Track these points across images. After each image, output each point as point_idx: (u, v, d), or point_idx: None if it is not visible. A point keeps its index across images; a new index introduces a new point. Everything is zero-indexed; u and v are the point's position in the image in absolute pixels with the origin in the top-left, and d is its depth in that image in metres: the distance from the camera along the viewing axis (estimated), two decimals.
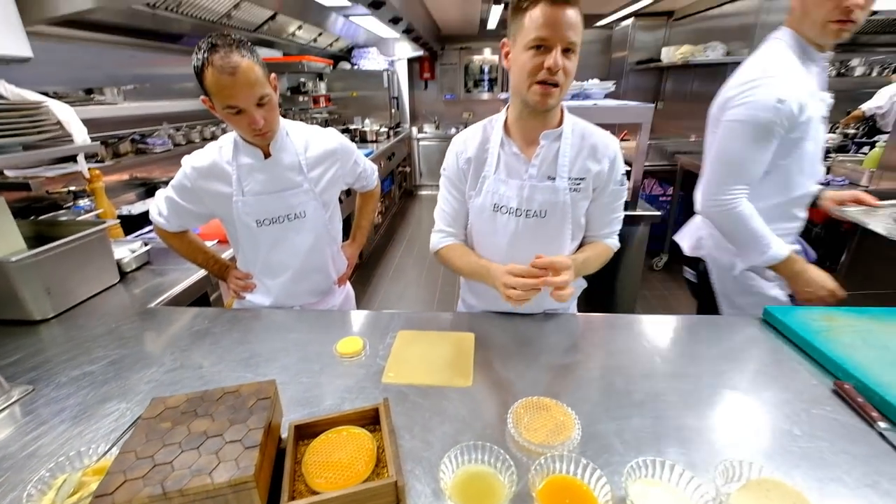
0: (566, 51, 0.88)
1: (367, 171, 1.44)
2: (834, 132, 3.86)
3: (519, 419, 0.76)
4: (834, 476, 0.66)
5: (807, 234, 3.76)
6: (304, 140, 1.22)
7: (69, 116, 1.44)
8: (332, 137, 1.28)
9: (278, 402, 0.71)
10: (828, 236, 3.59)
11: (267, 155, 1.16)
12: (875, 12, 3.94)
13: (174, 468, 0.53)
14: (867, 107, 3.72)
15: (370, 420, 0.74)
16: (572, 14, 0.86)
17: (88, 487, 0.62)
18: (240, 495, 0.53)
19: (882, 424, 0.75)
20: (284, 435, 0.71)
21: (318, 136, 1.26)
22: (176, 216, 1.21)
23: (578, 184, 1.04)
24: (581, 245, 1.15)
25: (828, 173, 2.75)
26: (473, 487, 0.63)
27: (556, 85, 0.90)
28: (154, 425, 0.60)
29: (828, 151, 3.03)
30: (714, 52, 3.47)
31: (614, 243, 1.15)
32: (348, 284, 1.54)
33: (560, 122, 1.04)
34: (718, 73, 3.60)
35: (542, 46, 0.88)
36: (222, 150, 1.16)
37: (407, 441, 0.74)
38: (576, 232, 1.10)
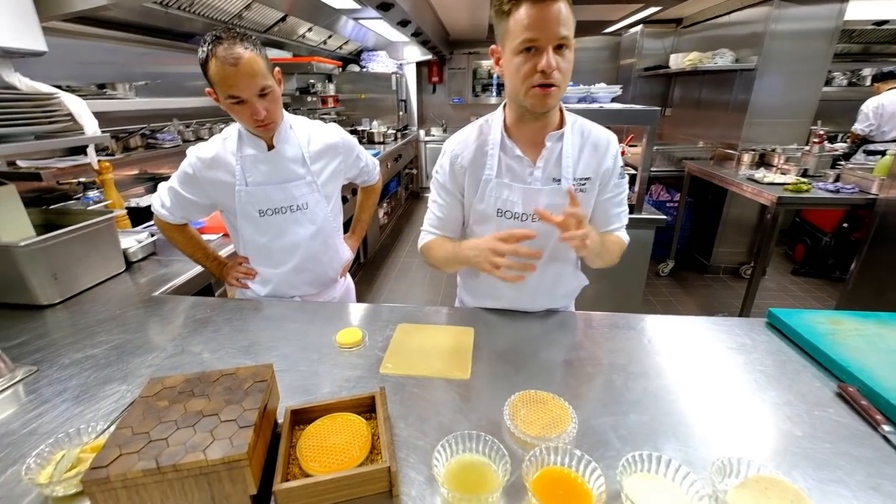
0: (559, 47, 0.83)
1: (368, 165, 1.45)
2: (845, 142, 3.82)
3: (515, 412, 0.75)
4: (835, 477, 0.65)
5: (816, 243, 3.74)
6: (307, 134, 1.25)
7: (81, 109, 1.46)
8: (334, 132, 1.31)
9: (275, 386, 0.71)
10: (837, 245, 3.56)
11: (270, 147, 1.19)
12: (885, 22, 3.93)
13: (169, 444, 0.53)
14: (859, 128, 3.66)
15: (366, 408, 0.74)
16: (559, 7, 0.80)
17: (85, 463, 0.63)
18: (233, 473, 0.53)
19: (886, 428, 0.73)
20: (281, 420, 0.71)
21: (321, 130, 1.28)
22: (179, 207, 1.23)
23: (584, 184, 1.02)
24: None
25: (836, 181, 2.72)
26: (467, 476, 0.63)
27: (553, 85, 0.86)
28: (151, 403, 0.60)
29: (837, 160, 3.00)
30: (723, 59, 3.45)
31: (624, 236, 1.12)
32: (349, 278, 1.55)
33: (561, 122, 1.02)
34: (727, 80, 3.59)
35: (532, 48, 0.83)
36: (227, 141, 1.18)
37: (402, 430, 0.74)
38: None
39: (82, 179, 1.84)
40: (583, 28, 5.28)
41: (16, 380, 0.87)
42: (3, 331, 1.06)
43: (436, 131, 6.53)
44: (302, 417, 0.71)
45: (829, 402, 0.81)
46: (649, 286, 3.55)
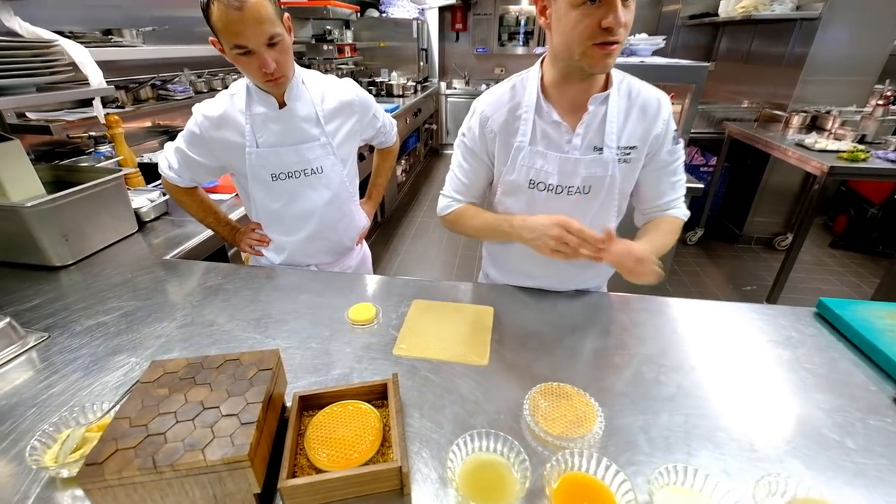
0: None
1: (386, 125, 1.34)
2: None
3: (536, 406, 0.70)
4: (893, 500, 0.58)
5: (861, 215, 3.48)
6: (320, 90, 1.14)
7: (83, 58, 1.38)
8: (350, 88, 1.19)
9: (282, 372, 0.68)
10: (885, 218, 3.31)
11: (282, 104, 1.09)
12: None
13: (167, 440, 0.50)
14: None
15: (378, 395, 0.70)
16: None
17: (91, 443, 0.61)
18: (234, 473, 0.50)
19: None
20: (289, 404, 0.68)
21: (335, 86, 1.17)
22: (186, 169, 1.16)
23: (628, 153, 0.90)
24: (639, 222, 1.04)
25: None
26: (483, 479, 0.59)
27: (616, 42, 0.75)
28: (151, 391, 0.57)
29: None
30: (782, 7, 3.07)
31: (682, 212, 1.01)
32: (365, 245, 1.49)
33: (607, 82, 0.89)
34: (783, 30, 3.21)
35: (596, 0, 0.72)
36: (235, 97, 1.09)
37: (415, 420, 0.70)
38: (622, 206, 0.99)
39: (93, 133, 1.79)
40: None
41: (28, 346, 0.86)
42: (19, 292, 1.06)
43: (458, 84, 6.21)
44: (311, 403, 0.68)
45: (886, 409, 0.73)
46: (675, 255, 3.41)
